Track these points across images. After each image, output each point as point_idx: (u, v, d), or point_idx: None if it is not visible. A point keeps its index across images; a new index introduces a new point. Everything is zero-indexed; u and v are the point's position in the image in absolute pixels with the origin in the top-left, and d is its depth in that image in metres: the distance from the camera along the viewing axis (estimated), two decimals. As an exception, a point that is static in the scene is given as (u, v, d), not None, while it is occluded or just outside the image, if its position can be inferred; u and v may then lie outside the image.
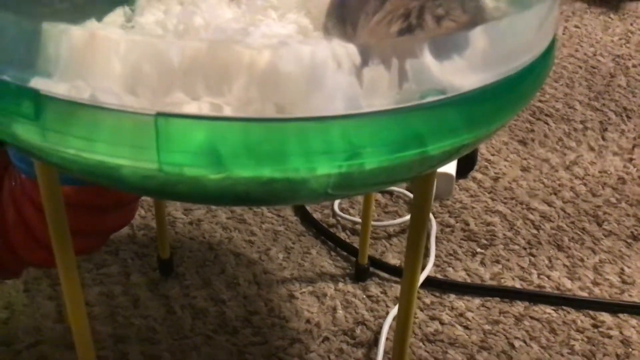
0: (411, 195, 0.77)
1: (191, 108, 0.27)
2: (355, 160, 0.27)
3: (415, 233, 0.36)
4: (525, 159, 0.85)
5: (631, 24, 1.21)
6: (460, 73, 0.30)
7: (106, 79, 0.26)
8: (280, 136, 0.26)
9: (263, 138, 0.26)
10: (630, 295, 0.65)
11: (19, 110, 0.30)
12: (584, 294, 0.65)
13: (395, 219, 0.74)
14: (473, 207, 0.77)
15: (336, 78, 0.28)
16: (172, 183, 0.27)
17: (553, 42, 0.38)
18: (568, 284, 0.67)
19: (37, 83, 0.29)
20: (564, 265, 0.69)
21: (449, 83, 0.30)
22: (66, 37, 0.29)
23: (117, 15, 0.46)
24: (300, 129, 0.26)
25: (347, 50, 0.32)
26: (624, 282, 0.67)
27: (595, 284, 0.67)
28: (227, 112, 0.28)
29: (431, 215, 0.74)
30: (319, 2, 0.45)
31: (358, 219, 0.72)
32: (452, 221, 0.75)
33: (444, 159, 0.31)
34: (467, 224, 0.74)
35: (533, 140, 0.89)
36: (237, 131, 0.26)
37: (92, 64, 0.27)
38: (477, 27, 0.32)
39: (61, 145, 0.28)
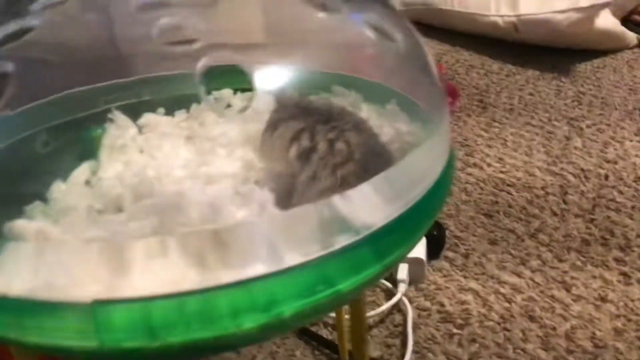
0: (388, 284, 0.81)
1: (128, 285, 0.32)
2: (274, 310, 0.31)
3: (357, 348, 0.40)
4: (492, 231, 0.89)
5: (582, 85, 1.28)
6: (370, 212, 0.35)
7: (51, 274, 0.31)
8: (208, 304, 0.31)
9: (192, 308, 0.30)
10: None
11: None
12: (559, 364, 0.68)
13: (374, 310, 0.78)
14: (447, 287, 0.80)
15: (259, 238, 0.32)
16: (115, 354, 0.31)
17: (451, 157, 0.43)
18: (543, 355, 0.69)
19: None
20: (537, 336, 0.72)
21: (361, 223, 0.35)
22: (16, 246, 0.34)
23: (83, 170, 0.51)
24: (226, 294, 0.31)
25: (271, 206, 0.37)
26: (596, 346, 0.70)
27: (569, 352, 0.69)
28: (160, 284, 0.32)
29: (407, 302, 0.77)
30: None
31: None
32: (428, 304, 0.78)
33: (356, 293, 0.35)
34: (443, 305, 0.78)
35: (498, 212, 0.93)
36: (167, 306, 0.31)
37: (37, 264, 0.32)
38: (383, 170, 0.37)
39: (18, 335, 0.32)
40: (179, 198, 0.37)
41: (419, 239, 0.38)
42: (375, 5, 0.50)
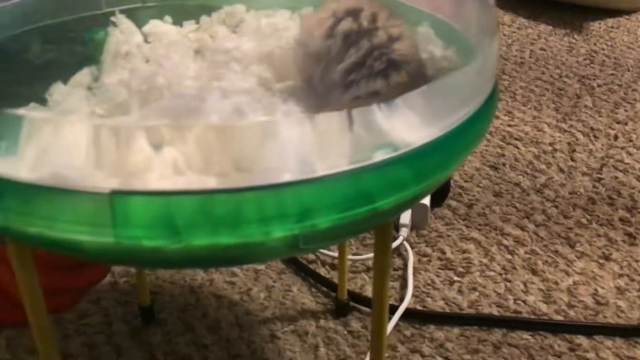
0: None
1: (151, 178, 0.29)
2: (308, 221, 0.28)
3: (380, 276, 0.38)
4: (497, 184, 0.87)
5: (594, 44, 1.24)
6: (410, 128, 0.32)
7: (65, 159, 0.28)
8: (235, 206, 0.27)
9: (218, 208, 0.27)
10: (604, 317, 0.67)
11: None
12: (560, 318, 0.67)
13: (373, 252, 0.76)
14: (449, 235, 0.78)
15: (289, 143, 0.29)
16: (132, 254, 0.28)
17: (495, 85, 0.40)
18: (544, 307, 0.68)
19: None
20: (539, 289, 0.70)
21: (400, 139, 0.32)
22: (24, 123, 0.30)
23: (84, 75, 0.47)
24: (255, 197, 0.28)
25: (300, 114, 0.33)
26: (598, 303, 0.69)
27: (570, 306, 0.68)
28: (186, 181, 0.29)
29: (408, 247, 0.76)
30: (281, 54, 0.47)
31: (337, 254, 0.73)
32: (429, 250, 0.76)
33: (395, 212, 0.33)
34: (444, 253, 0.76)
35: (504, 164, 0.91)
36: (192, 203, 0.27)
37: (50, 147, 0.28)
38: (424, 84, 0.33)
39: (24, 225, 0.29)
40: (198, 102, 0.34)
41: (458, 166, 0.36)
42: None
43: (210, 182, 0.29)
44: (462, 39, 0.43)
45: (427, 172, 0.32)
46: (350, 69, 0.36)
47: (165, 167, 0.29)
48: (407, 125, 0.32)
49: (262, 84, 0.46)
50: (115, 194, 0.27)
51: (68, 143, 0.27)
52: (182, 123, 0.32)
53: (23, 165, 0.28)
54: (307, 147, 0.30)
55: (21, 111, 0.31)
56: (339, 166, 0.30)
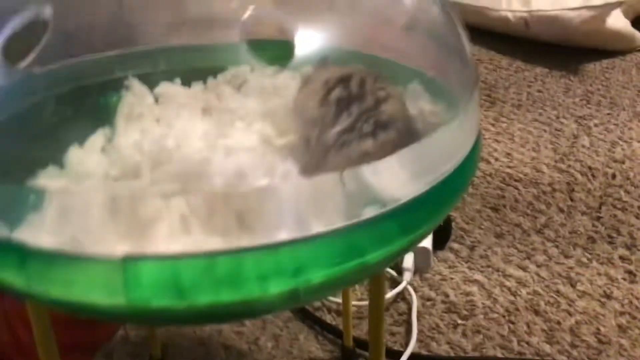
0: (393, 272, 0.80)
1: (159, 241, 0.32)
2: (302, 276, 0.31)
3: (374, 326, 0.40)
4: (498, 225, 0.89)
5: (590, 85, 1.27)
6: (397, 185, 0.35)
7: (80, 227, 0.31)
8: (236, 265, 0.30)
9: (221, 269, 0.30)
10: (607, 355, 0.68)
11: (6, 261, 0.34)
12: (564, 358, 0.68)
13: (378, 297, 0.77)
14: (452, 278, 0.80)
15: (286, 205, 0.32)
16: (141, 313, 0.31)
17: (478, 137, 0.42)
18: (547, 348, 0.69)
19: (22, 234, 0.33)
20: (542, 329, 0.71)
21: (389, 196, 0.34)
22: (45, 194, 0.33)
23: (98, 137, 0.51)
24: (254, 256, 0.30)
25: (296, 178, 0.36)
26: (600, 342, 0.69)
27: (573, 346, 0.69)
28: (190, 242, 0.32)
29: (412, 290, 0.77)
30: (283, 111, 0.50)
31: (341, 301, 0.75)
32: (432, 294, 0.78)
33: (383, 265, 0.35)
34: (447, 296, 0.77)
35: (504, 206, 0.93)
36: (197, 265, 0.30)
37: (69, 216, 0.31)
38: (412, 143, 0.36)
39: (43, 289, 0.32)
40: (204, 165, 0.37)
41: (444, 218, 0.38)
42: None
43: (214, 242, 0.32)
44: (448, 94, 0.46)
45: (412, 226, 0.35)
46: (342, 132, 0.39)
47: (171, 231, 0.31)
48: (394, 182, 0.35)
49: (264, 140, 0.49)
50: (127, 259, 0.30)
51: (82, 211, 0.30)
52: (186, 189, 0.35)
53: (43, 234, 0.31)
54: (303, 207, 0.32)
55: (41, 183, 0.34)
56: (332, 224, 0.33)
